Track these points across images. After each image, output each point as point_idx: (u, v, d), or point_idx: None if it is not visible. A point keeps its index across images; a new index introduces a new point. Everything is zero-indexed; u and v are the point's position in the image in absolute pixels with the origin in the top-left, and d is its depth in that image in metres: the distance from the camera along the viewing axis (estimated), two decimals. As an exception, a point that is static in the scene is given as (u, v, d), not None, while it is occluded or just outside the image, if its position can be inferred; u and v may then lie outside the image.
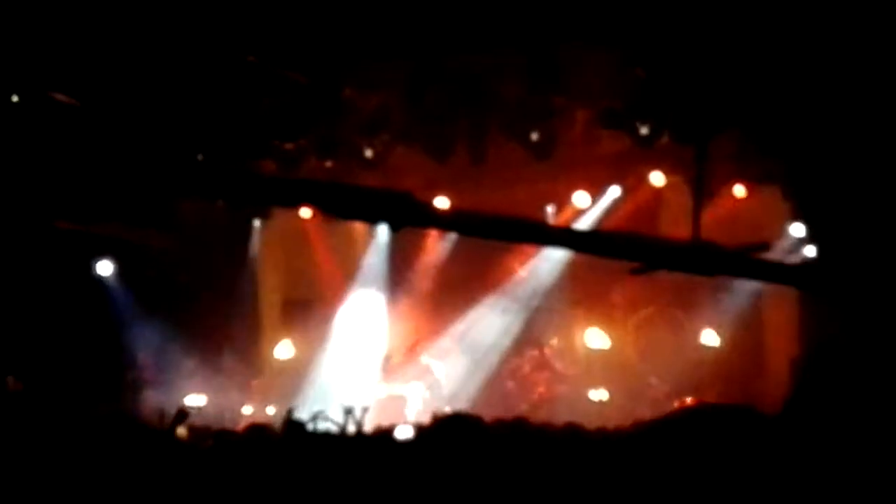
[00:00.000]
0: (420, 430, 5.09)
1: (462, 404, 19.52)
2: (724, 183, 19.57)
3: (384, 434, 12.24)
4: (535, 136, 18.86)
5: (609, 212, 20.72)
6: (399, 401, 20.50)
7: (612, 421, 16.67)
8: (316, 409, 15.56)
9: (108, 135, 15.80)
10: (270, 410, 20.70)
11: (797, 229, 19.66)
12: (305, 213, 20.02)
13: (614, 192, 20.79)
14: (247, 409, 20.96)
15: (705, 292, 20.24)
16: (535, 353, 21.16)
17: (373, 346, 22.01)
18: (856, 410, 3.64)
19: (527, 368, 21.06)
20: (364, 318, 22.43)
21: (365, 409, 15.02)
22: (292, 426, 10.56)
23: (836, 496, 3.83)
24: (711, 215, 18.87)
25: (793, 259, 18.86)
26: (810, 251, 19.32)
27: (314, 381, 20.94)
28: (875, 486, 3.75)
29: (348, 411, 13.96)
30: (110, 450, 6.92)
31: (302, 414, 15.20)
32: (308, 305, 22.91)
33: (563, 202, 20.97)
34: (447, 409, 18.26)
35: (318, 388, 20.47)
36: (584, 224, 20.46)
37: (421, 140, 19.47)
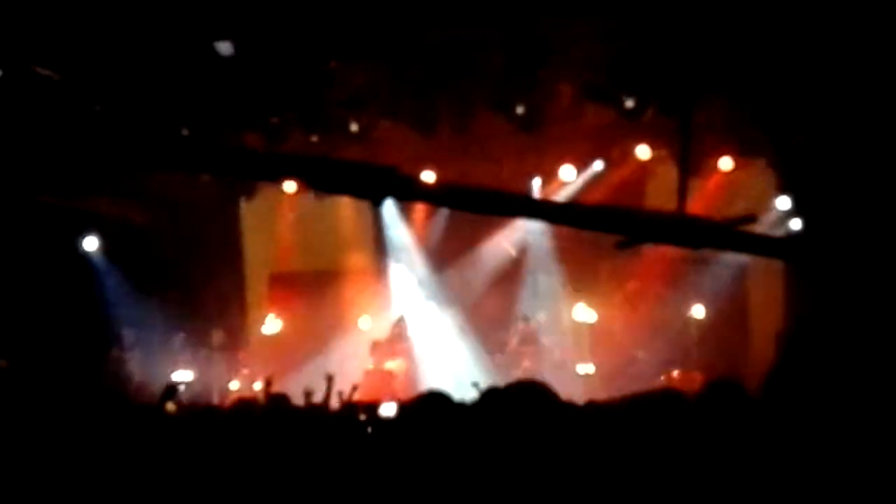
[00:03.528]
0: (403, 406, 5.08)
1: (448, 379, 19.55)
2: (711, 155, 19.60)
3: (368, 409, 12.26)
4: (520, 110, 18.84)
5: (594, 185, 20.76)
6: (386, 375, 20.53)
7: (599, 395, 16.72)
8: (303, 383, 15.67)
9: (91, 108, 15.74)
10: (257, 386, 20.73)
11: (783, 202, 19.69)
12: (290, 186, 19.98)
13: (598, 166, 20.86)
14: (234, 385, 20.97)
15: (691, 266, 20.29)
16: (522, 327, 21.19)
17: (360, 321, 22.04)
18: (839, 386, 3.64)
19: (513, 342, 21.09)
20: (352, 292, 22.48)
21: (354, 388, 15.10)
22: (275, 400, 10.55)
23: (819, 473, 3.83)
24: (698, 188, 19.07)
25: (779, 231, 18.89)
26: (796, 224, 19.36)
27: (301, 356, 20.94)
28: (858, 461, 3.75)
29: (330, 381, 14.02)
30: (98, 426, 6.91)
31: (289, 388, 15.23)
32: (294, 279, 22.93)
33: (548, 175, 20.99)
34: (431, 385, 18.27)
35: (304, 362, 20.46)
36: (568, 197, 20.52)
37: (406, 114, 19.44)
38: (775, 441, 3.69)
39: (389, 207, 21.44)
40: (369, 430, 9.04)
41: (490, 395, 5.49)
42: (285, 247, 22.72)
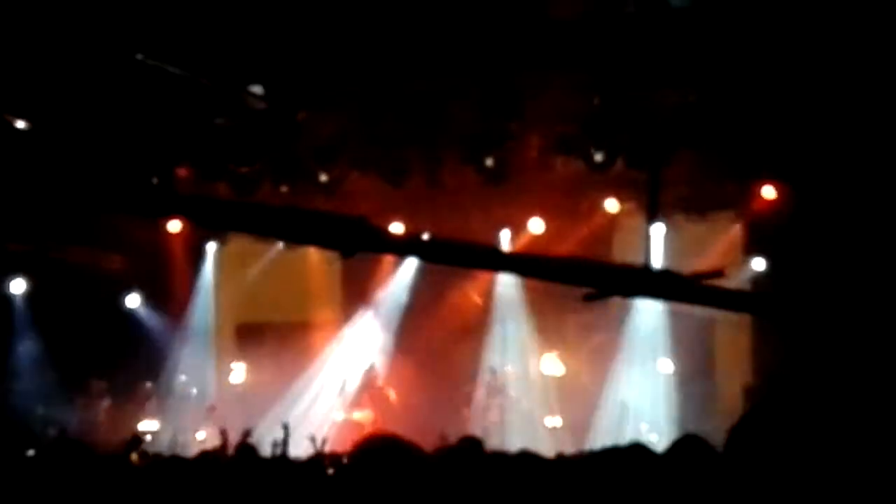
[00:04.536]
0: (365, 455, 5.05)
1: (415, 430, 19.52)
2: (679, 209, 19.69)
3: (334, 460, 12.21)
4: (489, 162, 18.90)
5: (562, 237, 20.80)
6: (354, 426, 20.46)
7: (566, 447, 16.72)
8: (270, 434, 15.66)
9: (60, 156, 15.72)
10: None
11: (751, 256, 19.78)
12: (258, 237, 19.98)
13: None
14: (200, 435, 20.86)
15: (659, 319, 20.33)
16: (490, 379, 21.16)
17: (329, 371, 21.99)
18: (807, 438, 3.65)
19: (481, 395, 21.06)
20: (320, 343, 22.44)
21: (324, 441, 15.06)
22: (244, 451, 10.51)
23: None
24: (666, 241, 19.12)
25: (746, 286, 18.94)
26: (764, 278, 19.43)
27: (268, 407, 20.85)
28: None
29: (286, 431, 13.97)
30: (62, 476, 6.84)
31: (255, 439, 15.19)
32: (261, 330, 22.88)
33: (517, 227, 21.05)
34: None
35: (273, 413, 20.37)
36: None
37: (376, 165, 19.48)
38: (740, 497, 3.69)
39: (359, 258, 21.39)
40: (334, 481, 8.99)
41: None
42: (253, 297, 22.67)
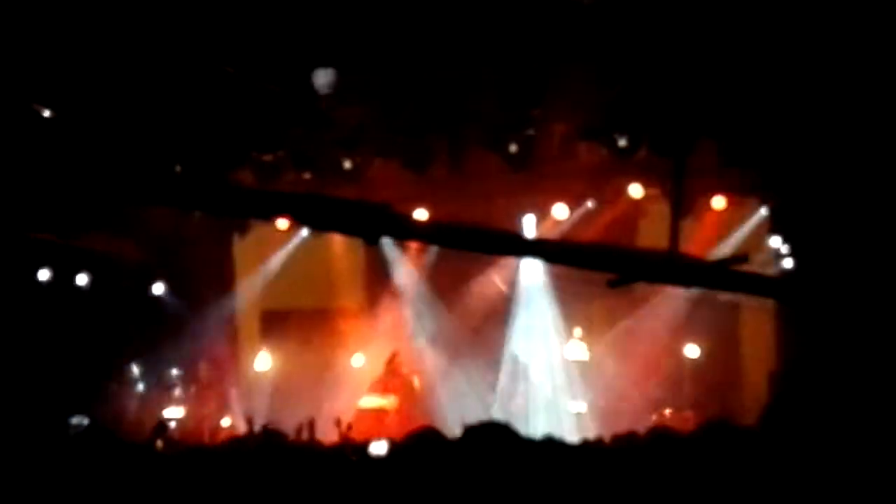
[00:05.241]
0: (394, 445, 5.06)
1: (440, 416, 19.57)
2: (703, 195, 19.63)
3: (359, 447, 12.22)
4: (513, 149, 18.88)
5: (586, 223, 20.77)
6: (378, 413, 20.48)
7: (591, 433, 16.73)
8: (295, 420, 15.70)
9: (85, 146, 15.75)
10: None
11: (775, 241, 19.72)
12: (282, 224, 20.00)
13: (590, 205, 20.90)
14: (225, 422, 20.92)
15: (684, 304, 20.29)
16: (514, 365, 21.16)
17: (353, 357, 22.01)
18: (832, 424, 3.64)
19: (505, 381, 21.06)
20: (344, 329, 22.46)
21: (349, 426, 15.09)
22: (269, 437, 10.52)
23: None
24: (690, 227, 19.08)
25: (771, 271, 18.90)
26: (788, 263, 19.37)
27: (293, 393, 20.89)
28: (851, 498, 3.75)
29: (312, 425, 13.97)
30: (88, 463, 6.88)
31: (280, 425, 15.22)
32: (286, 317, 22.90)
33: (541, 213, 21.02)
34: (424, 422, 18.21)
35: (297, 399, 20.42)
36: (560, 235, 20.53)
37: (400, 152, 19.47)
38: (768, 481, 3.70)
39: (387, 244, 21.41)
40: (359, 468, 9.00)
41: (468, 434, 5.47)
42: (278, 284, 22.68)
